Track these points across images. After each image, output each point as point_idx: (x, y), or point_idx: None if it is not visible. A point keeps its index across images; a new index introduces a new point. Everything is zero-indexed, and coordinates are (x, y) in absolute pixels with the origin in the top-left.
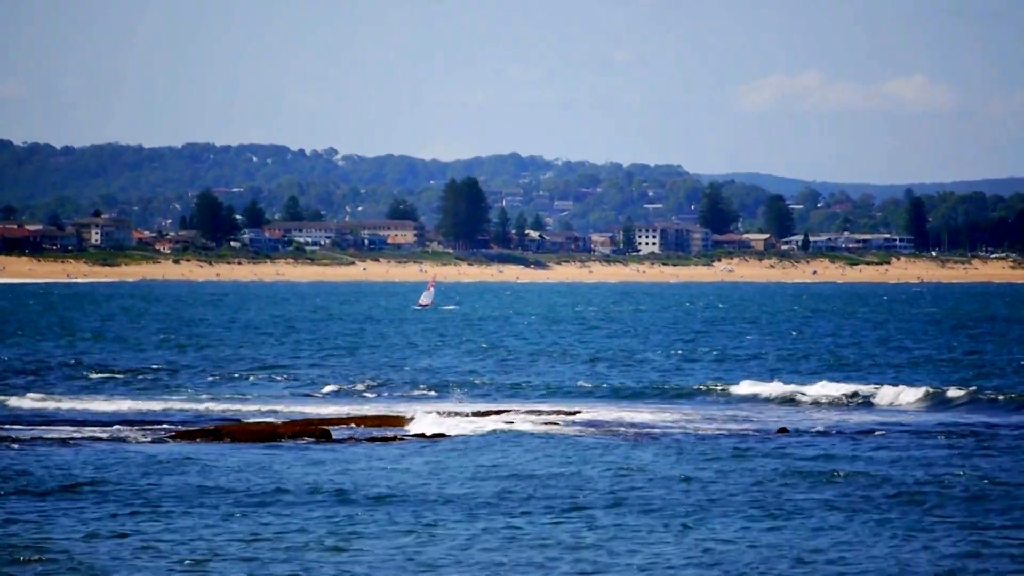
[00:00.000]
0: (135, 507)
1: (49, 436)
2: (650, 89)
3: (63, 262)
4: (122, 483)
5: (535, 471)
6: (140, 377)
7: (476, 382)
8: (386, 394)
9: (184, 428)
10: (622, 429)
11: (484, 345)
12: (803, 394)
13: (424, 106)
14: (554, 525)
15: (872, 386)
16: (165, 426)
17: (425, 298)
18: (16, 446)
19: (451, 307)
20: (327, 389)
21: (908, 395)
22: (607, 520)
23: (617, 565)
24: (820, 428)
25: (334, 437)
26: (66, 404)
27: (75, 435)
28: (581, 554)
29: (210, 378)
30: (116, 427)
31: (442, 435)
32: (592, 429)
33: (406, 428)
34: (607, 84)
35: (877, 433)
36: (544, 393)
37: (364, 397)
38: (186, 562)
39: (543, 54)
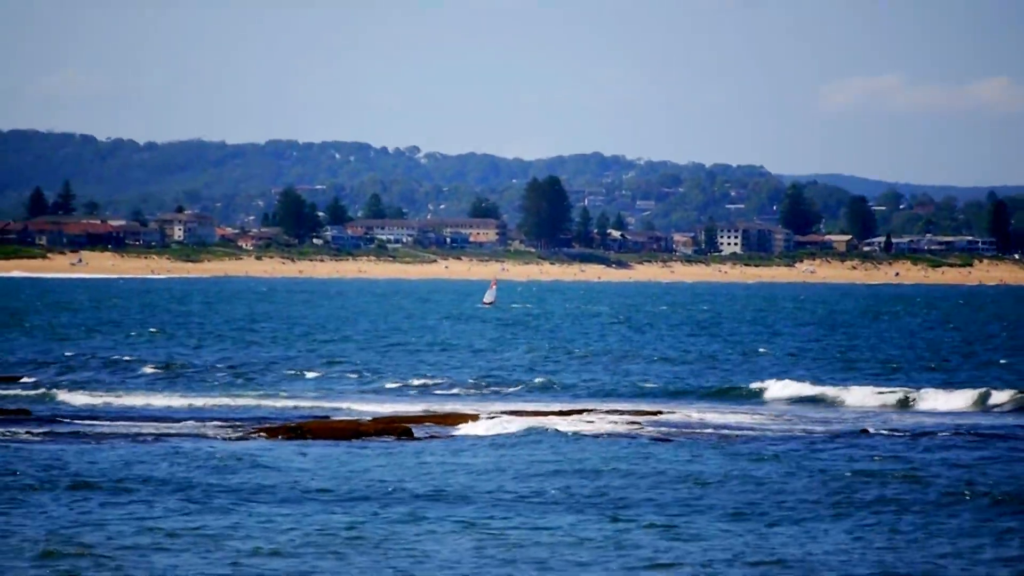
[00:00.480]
0: (221, 503)
1: (128, 432)
2: (733, 89)
3: (146, 258)
4: (204, 481)
5: (646, 471)
6: (220, 374)
7: (538, 381)
8: (456, 391)
9: (267, 425)
10: (708, 431)
11: (547, 345)
12: (879, 392)
13: (507, 105)
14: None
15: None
16: (238, 423)
17: (489, 296)
18: (102, 441)
19: (517, 305)
20: (392, 386)
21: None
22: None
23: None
24: (902, 428)
25: (416, 436)
26: (140, 400)
27: (152, 431)
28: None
29: (288, 372)
30: (191, 423)
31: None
32: (685, 430)
33: (483, 426)
34: (690, 84)
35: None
36: (607, 393)
37: (434, 395)
38: (265, 551)
39: (627, 54)
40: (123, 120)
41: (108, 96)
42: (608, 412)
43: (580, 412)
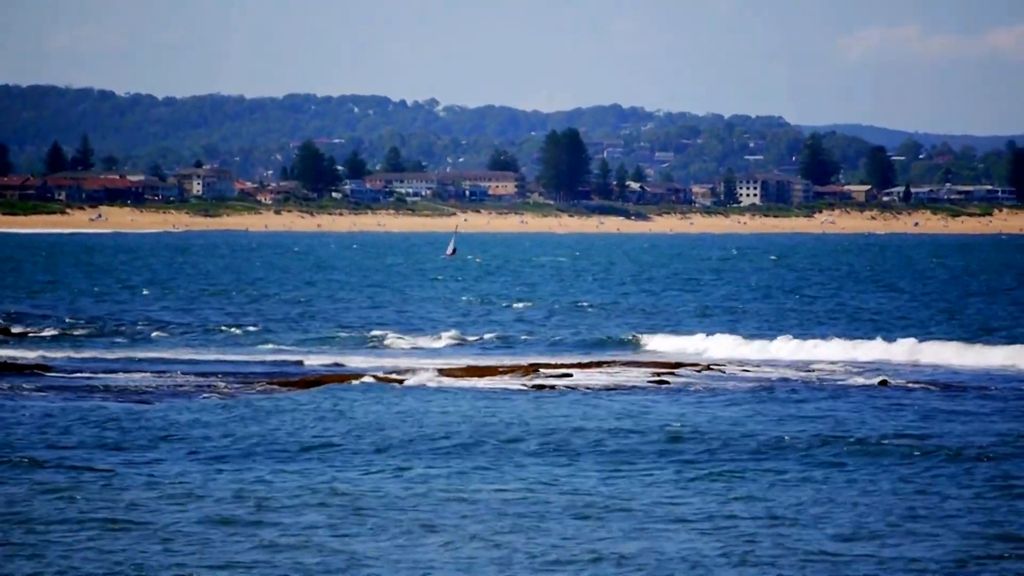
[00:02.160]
0: (214, 453)
1: (145, 384)
2: (751, 40)
3: (165, 213)
4: (201, 434)
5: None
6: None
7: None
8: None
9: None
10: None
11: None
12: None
13: (525, 57)
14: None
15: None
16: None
17: (450, 248)
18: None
19: (470, 257)
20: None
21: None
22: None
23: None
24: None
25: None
26: (152, 354)
27: (164, 383)
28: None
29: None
30: (191, 377)
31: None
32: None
33: (524, 377)
34: (708, 35)
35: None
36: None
37: (435, 349)
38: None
39: (645, 5)
40: (141, 75)
41: (126, 51)
42: (628, 364)
43: (599, 364)
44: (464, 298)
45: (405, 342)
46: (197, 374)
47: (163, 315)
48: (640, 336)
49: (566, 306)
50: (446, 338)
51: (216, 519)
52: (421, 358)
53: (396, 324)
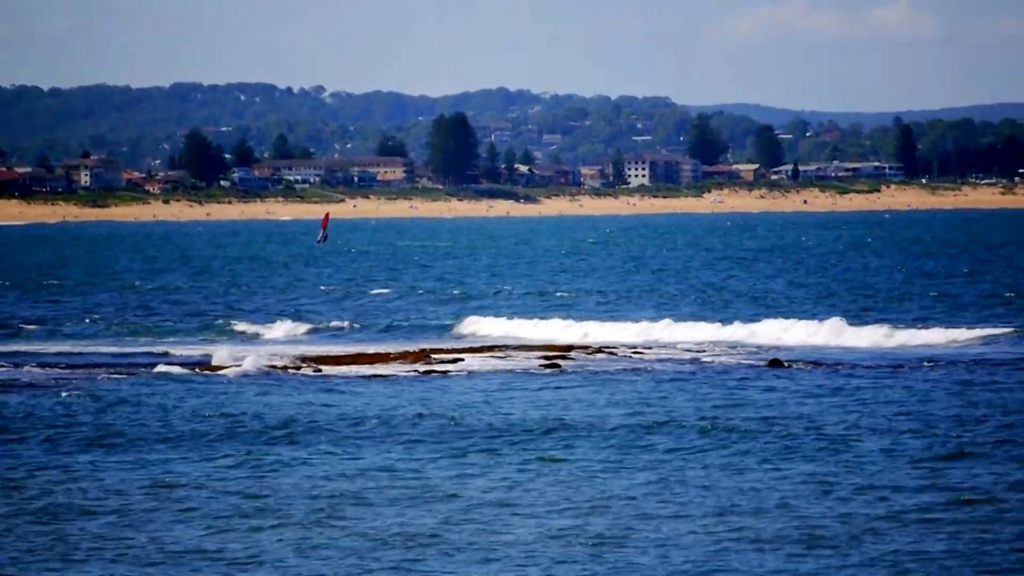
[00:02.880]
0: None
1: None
2: (637, 21)
3: (53, 204)
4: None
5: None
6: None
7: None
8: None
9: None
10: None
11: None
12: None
13: (411, 41)
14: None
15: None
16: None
17: (320, 234)
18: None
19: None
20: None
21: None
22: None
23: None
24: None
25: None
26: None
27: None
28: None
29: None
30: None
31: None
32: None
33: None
34: (594, 17)
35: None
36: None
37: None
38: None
39: None
40: (26, 67)
41: (10, 43)
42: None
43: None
44: (323, 287)
45: (243, 328)
46: (41, 365)
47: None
48: (459, 322)
49: (416, 291)
50: (280, 328)
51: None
52: (249, 346)
53: (235, 313)
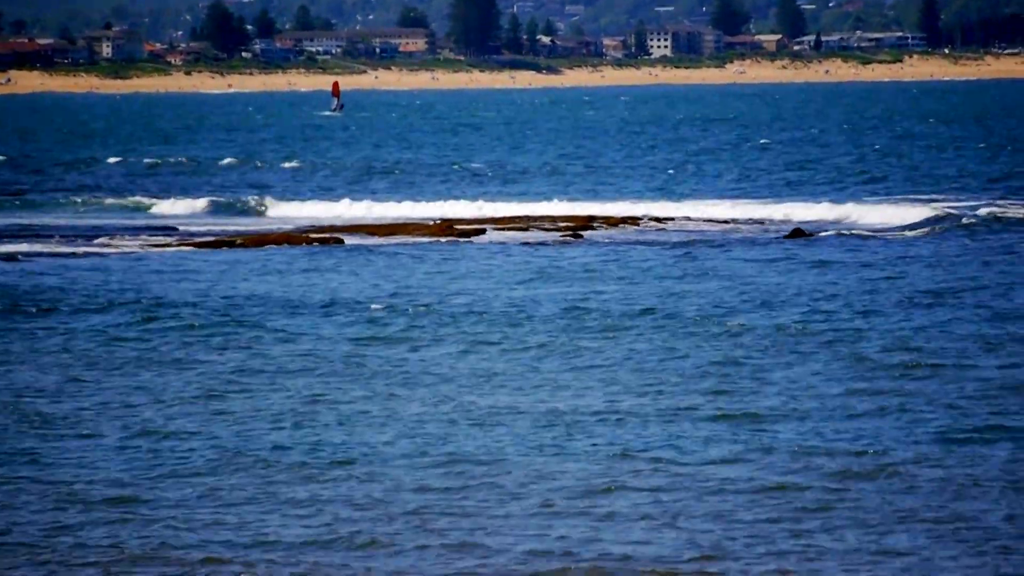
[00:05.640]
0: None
1: None
2: None
3: (75, 75)
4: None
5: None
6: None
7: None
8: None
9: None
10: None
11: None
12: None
13: None
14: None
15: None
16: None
17: (334, 103)
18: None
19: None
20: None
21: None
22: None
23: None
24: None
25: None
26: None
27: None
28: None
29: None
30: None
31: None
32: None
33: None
34: None
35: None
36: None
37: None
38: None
39: None
40: None
41: None
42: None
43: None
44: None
45: (166, 207)
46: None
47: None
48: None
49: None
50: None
51: None
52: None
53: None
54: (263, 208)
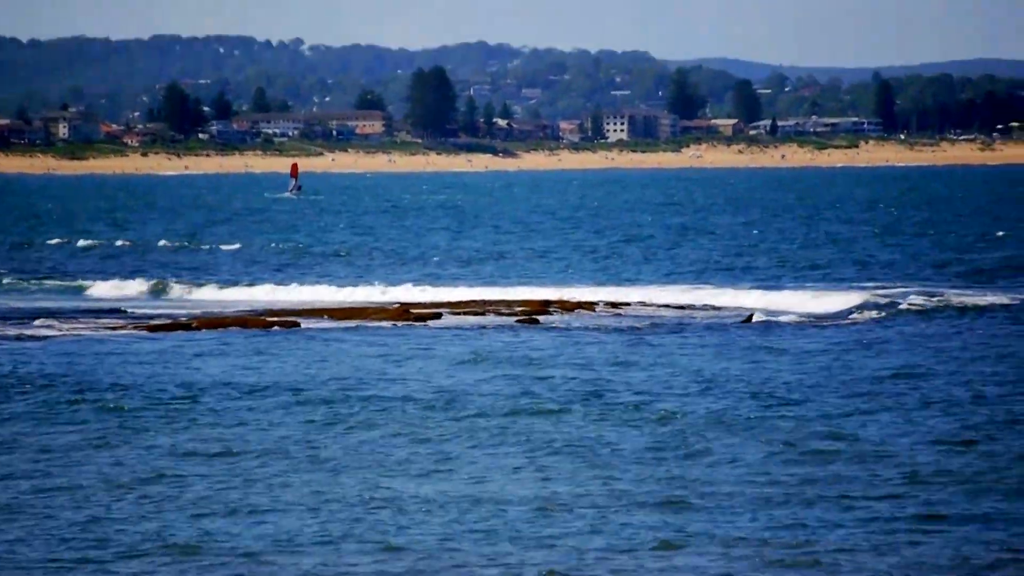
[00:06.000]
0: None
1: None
2: None
3: (31, 156)
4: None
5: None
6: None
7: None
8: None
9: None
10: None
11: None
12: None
13: None
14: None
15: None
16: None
17: (292, 184)
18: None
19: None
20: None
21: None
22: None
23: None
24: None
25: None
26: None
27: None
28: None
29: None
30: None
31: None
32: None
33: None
34: None
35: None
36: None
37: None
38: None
39: None
40: (5, 17)
41: None
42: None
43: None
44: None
45: (102, 289)
46: None
47: None
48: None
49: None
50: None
51: None
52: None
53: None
54: (196, 291)
